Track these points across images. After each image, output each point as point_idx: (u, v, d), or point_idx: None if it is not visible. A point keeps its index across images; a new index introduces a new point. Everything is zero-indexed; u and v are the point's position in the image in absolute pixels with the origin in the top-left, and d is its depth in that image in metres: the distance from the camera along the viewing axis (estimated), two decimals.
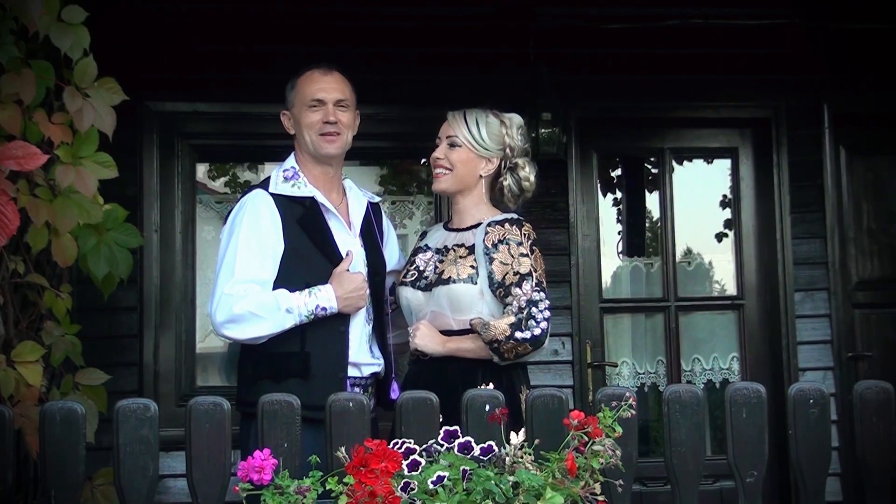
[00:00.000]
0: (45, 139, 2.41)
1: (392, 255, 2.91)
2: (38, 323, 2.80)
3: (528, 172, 2.79)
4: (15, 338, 2.65)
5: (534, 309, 2.56)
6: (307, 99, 2.70)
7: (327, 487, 1.84)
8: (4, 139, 2.29)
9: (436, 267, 2.71)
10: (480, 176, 2.76)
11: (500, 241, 2.63)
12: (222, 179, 7.29)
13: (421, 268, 2.75)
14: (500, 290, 2.59)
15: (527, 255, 2.62)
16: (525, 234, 2.67)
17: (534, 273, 2.60)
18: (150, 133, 4.19)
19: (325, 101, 2.70)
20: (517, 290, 2.57)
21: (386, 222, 2.95)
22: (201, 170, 5.74)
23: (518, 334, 2.53)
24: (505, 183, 2.78)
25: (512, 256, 2.61)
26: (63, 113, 2.43)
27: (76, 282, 3.14)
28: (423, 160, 2.89)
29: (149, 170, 4.18)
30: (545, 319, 2.57)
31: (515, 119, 2.82)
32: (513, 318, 2.54)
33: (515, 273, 2.59)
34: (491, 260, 2.61)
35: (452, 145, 2.74)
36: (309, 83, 2.72)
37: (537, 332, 2.55)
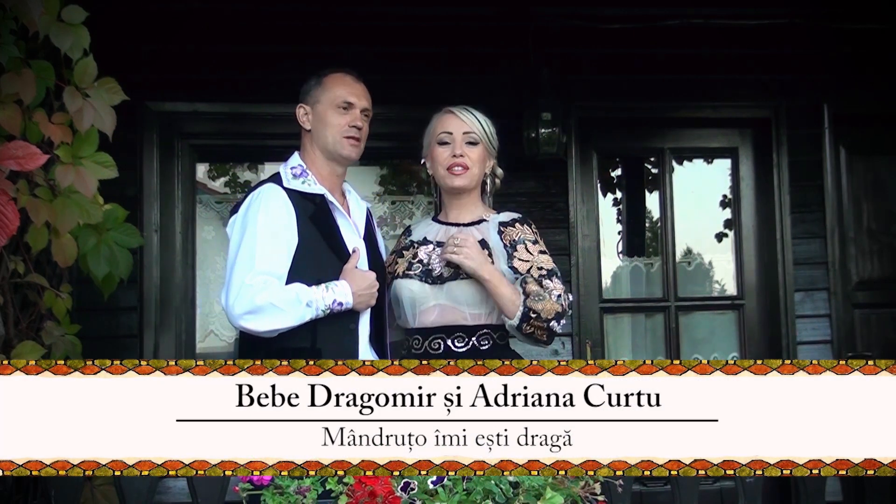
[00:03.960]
0: (45, 139, 2.41)
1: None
2: (38, 323, 2.80)
3: (501, 171, 2.88)
4: (15, 338, 2.65)
5: (569, 309, 2.67)
6: (339, 99, 2.70)
7: (327, 487, 1.84)
8: (4, 139, 2.29)
9: (447, 261, 2.71)
10: (486, 173, 2.81)
11: (516, 241, 2.70)
12: (222, 179, 7.30)
13: (425, 261, 2.75)
14: (529, 278, 2.63)
15: (545, 253, 2.72)
16: (536, 233, 2.76)
17: (557, 271, 2.70)
18: (150, 133, 4.20)
19: (355, 105, 2.72)
20: (549, 282, 2.64)
21: (376, 228, 2.97)
22: (201, 170, 5.75)
23: (554, 324, 2.61)
24: (487, 179, 2.84)
25: (531, 254, 2.68)
26: (63, 113, 2.43)
27: (76, 282, 3.14)
28: (422, 160, 2.88)
29: (149, 170, 4.19)
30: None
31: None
32: (559, 308, 2.60)
33: (540, 268, 2.66)
34: (511, 258, 2.67)
35: (472, 143, 2.76)
36: (342, 84, 2.73)
37: (560, 329, 2.65)
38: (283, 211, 2.60)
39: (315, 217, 2.65)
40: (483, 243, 2.70)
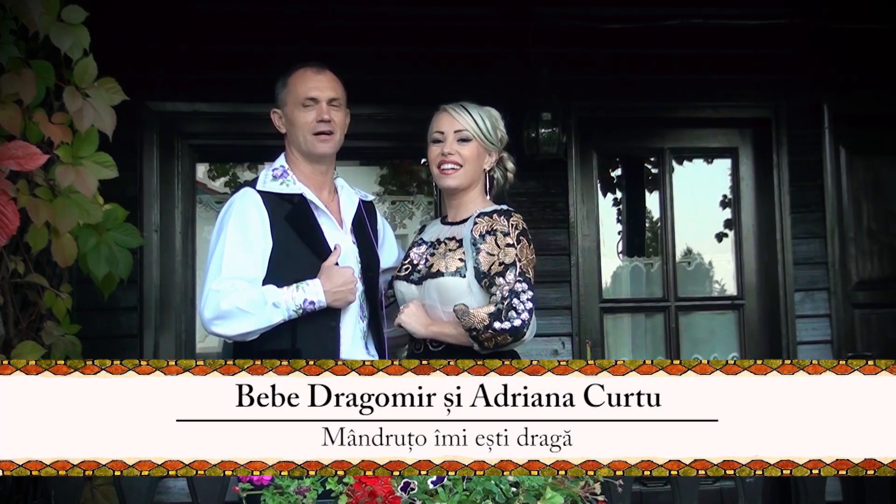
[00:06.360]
0: (45, 139, 2.41)
1: (391, 252, 2.91)
2: (38, 323, 2.80)
3: (512, 164, 2.84)
4: (15, 338, 2.65)
5: (515, 300, 2.53)
6: (301, 97, 2.69)
7: (327, 487, 1.84)
8: (4, 139, 2.29)
9: (426, 260, 2.71)
10: (484, 170, 2.77)
11: (488, 232, 2.63)
12: (222, 179, 7.31)
13: (414, 261, 2.76)
14: (486, 281, 2.59)
15: (512, 246, 2.60)
16: (513, 225, 2.65)
17: (518, 263, 2.58)
18: (150, 133, 4.20)
19: (318, 99, 2.69)
20: (500, 279, 2.56)
21: (381, 221, 2.94)
22: (201, 170, 5.76)
23: (497, 324, 2.51)
24: (495, 176, 2.81)
25: (498, 247, 2.61)
26: (63, 113, 2.42)
27: (76, 282, 3.14)
28: (422, 160, 2.88)
29: (149, 170, 4.19)
30: (527, 311, 2.54)
31: (495, 112, 2.82)
32: (492, 308, 2.53)
33: (500, 263, 2.58)
34: (478, 251, 2.61)
35: (463, 140, 2.73)
36: (302, 81, 2.71)
37: (517, 323, 2.51)
38: (255, 215, 2.60)
39: (292, 217, 2.64)
40: (460, 242, 2.68)
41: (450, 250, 2.67)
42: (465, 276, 2.62)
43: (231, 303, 2.50)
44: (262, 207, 2.61)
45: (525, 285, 2.56)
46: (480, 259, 2.60)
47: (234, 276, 2.54)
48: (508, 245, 2.60)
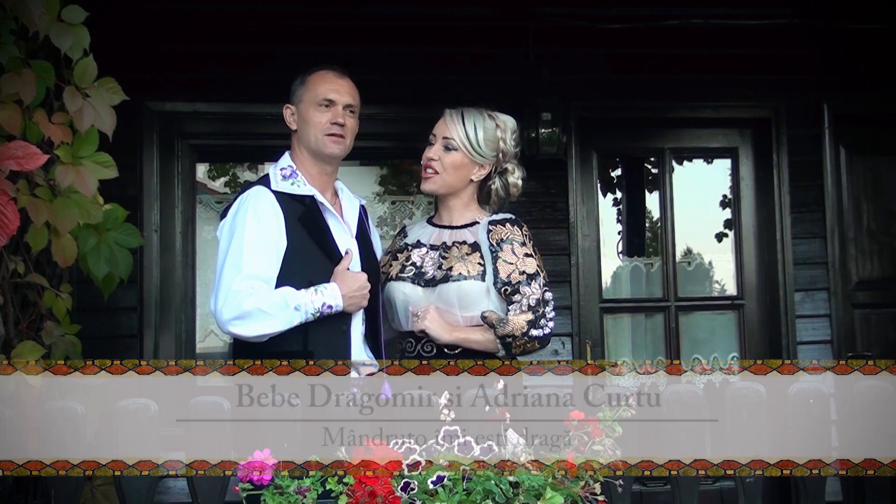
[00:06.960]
0: (45, 139, 2.41)
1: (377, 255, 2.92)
2: (38, 323, 2.79)
3: (516, 177, 2.82)
4: (15, 338, 2.65)
5: (546, 308, 2.64)
6: (319, 97, 2.70)
7: (327, 487, 1.84)
8: (4, 139, 2.29)
9: (440, 264, 2.71)
10: (471, 180, 2.77)
11: (503, 241, 2.68)
12: (222, 179, 7.29)
13: (418, 264, 2.75)
14: (506, 288, 2.62)
15: (531, 256, 2.68)
16: (526, 235, 2.72)
17: (541, 273, 2.66)
18: (150, 133, 4.20)
19: (336, 102, 2.71)
20: (526, 288, 2.62)
21: (371, 225, 2.96)
22: (201, 170, 5.76)
23: (533, 332, 2.60)
24: (493, 186, 2.81)
25: (516, 256, 2.65)
26: (63, 113, 2.42)
27: (76, 282, 3.14)
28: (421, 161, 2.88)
29: (149, 170, 4.19)
30: (552, 320, 2.66)
31: (510, 122, 2.82)
32: (530, 316, 2.60)
33: (522, 272, 2.63)
34: (496, 258, 2.65)
35: (448, 148, 2.73)
36: (322, 82, 2.72)
37: (547, 331, 2.64)
38: (271, 214, 2.60)
39: (304, 219, 2.64)
40: (475, 245, 2.70)
41: (466, 254, 2.69)
42: (484, 281, 2.65)
43: (253, 304, 2.50)
44: (277, 207, 2.62)
45: (550, 294, 2.69)
46: (498, 266, 2.65)
47: (254, 276, 2.54)
48: (527, 255, 2.67)
